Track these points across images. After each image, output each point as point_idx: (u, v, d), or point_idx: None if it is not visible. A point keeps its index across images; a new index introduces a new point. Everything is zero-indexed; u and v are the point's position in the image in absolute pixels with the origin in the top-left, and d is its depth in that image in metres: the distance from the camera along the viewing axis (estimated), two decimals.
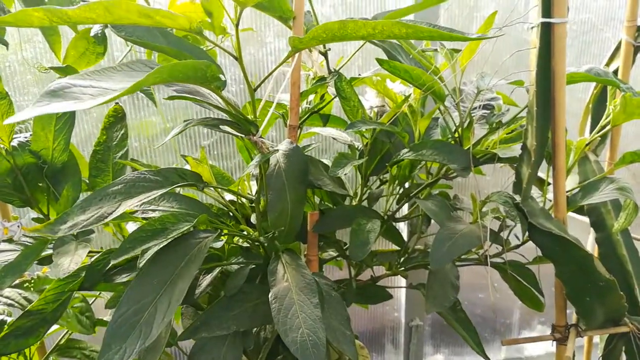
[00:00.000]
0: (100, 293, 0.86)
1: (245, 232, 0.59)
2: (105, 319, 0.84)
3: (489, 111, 0.75)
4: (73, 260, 0.55)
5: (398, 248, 0.82)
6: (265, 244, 0.58)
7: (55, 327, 0.83)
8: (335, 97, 0.76)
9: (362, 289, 0.78)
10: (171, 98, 0.53)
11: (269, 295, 0.48)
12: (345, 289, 0.75)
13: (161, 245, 0.49)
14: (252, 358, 0.63)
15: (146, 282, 0.46)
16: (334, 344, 0.53)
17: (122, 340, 0.42)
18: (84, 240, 0.62)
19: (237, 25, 0.48)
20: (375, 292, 0.79)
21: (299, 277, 0.50)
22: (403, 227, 1.09)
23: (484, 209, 0.74)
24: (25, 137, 0.67)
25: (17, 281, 0.77)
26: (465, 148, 0.68)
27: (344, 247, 0.79)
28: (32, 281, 0.76)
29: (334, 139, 0.80)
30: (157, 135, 1.02)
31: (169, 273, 0.46)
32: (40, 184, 0.67)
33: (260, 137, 0.55)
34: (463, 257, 0.77)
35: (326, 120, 0.86)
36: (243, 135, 0.57)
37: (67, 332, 0.84)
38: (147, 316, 0.43)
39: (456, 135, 0.70)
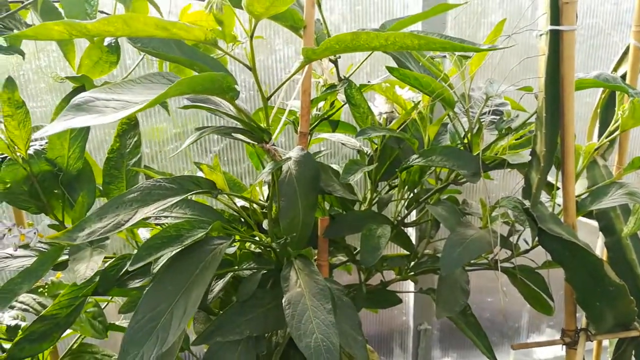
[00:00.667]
0: (112, 297, 0.87)
1: (257, 238, 0.60)
2: (117, 323, 0.86)
3: (498, 117, 0.75)
4: (89, 266, 0.56)
5: (407, 252, 0.82)
6: (278, 250, 0.59)
7: (68, 331, 0.84)
8: (345, 103, 0.77)
9: (372, 293, 0.79)
10: (185, 107, 0.54)
11: (283, 301, 0.49)
12: (356, 293, 0.76)
13: (176, 252, 0.50)
14: None
15: (162, 288, 0.47)
16: (346, 349, 0.54)
17: (139, 346, 0.43)
18: (99, 246, 0.63)
19: (251, 37, 0.49)
20: (385, 297, 0.80)
21: (312, 283, 0.51)
22: (412, 232, 1.10)
23: (493, 214, 0.75)
24: (41, 145, 0.68)
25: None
26: (475, 154, 0.69)
27: (354, 252, 0.80)
28: (46, 286, 0.77)
29: (343, 144, 0.81)
30: (168, 140, 1.03)
31: (184, 280, 0.47)
32: (56, 191, 0.69)
33: (273, 144, 0.56)
34: (472, 261, 0.77)
35: (335, 126, 0.87)
36: (255, 143, 0.58)
37: (79, 337, 0.85)
38: (163, 322, 0.44)
39: (465, 141, 0.71)
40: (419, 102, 0.72)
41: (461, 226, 0.64)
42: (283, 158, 0.56)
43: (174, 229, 0.52)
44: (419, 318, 1.32)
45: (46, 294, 0.77)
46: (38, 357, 0.82)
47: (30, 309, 0.75)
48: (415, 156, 0.70)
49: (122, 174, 0.74)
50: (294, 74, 0.52)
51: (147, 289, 0.47)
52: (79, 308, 0.72)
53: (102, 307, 0.83)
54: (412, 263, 0.78)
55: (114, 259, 0.69)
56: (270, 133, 0.55)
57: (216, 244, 0.51)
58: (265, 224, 0.66)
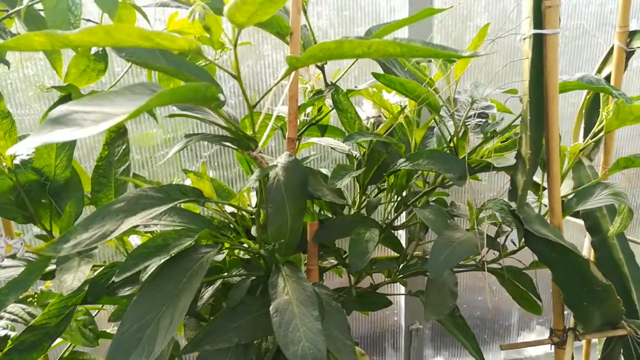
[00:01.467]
0: (103, 305, 0.87)
1: (245, 245, 0.60)
2: (108, 331, 0.85)
3: (483, 120, 0.76)
4: (76, 276, 0.56)
5: (397, 255, 0.83)
6: (266, 257, 0.59)
7: (58, 340, 0.84)
8: (332, 109, 0.78)
9: (362, 296, 0.79)
10: (172, 116, 0.54)
11: (270, 309, 0.49)
12: (346, 297, 0.76)
13: (164, 261, 0.50)
14: None
15: (149, 298, 0.47)
16: (335, 354, 0.54)
17: (125, 357, 0.43)
18: (87, 256, 0.63)
19: (235, 45, 0.49)
20: (375, 300, 0.80)
21: (300, 290, 0.51)
22: (402, 233, 1.10)
23: (480, 216, 0.76)
24: (28, 155, 0.68)
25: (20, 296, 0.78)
26: (461, 157, 0.70)
27: (344, 256, 0.80)
28: (36, 296, 0.77)
29: (332, 148, 0.82)
30: (158, 146, 1.03)
31: (171, 288, 0.47)
32: (43, 201, 0.68)
33: (260, 151, 0.56)
34: (461, 263, 0.78)
35: (324, 130, 0.88)
36: (243, 150, 0.58)
37: (70, 345, 0.84)
38: (149, 333, 0.44)
39: (451, 144, 0.72)
40: (406, 106, 0.72)
41: (448, 229, 0.65)
42: (269, 165, 0.56)
43: (161, 238, 0.52)
44: (411, 318, 1.33)
45: (35, 303, 0.77)
46: None
47: (19, 319, 0.74)
48: (402, 160, 0.71)
49: (110, 182, 0.74)
50: (279, 81, 0.53)
51: (134, 298, 0.47)
52: (69, 317, 0.72)
53: (94, 315, 0.83)
54: (402, 265, 0.79)
55: (103, 268, 0.69)
56: (257, 141, 0.56)
57: (204, 252, 0.51)
58: (254, 230, 0.66)
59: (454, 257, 0.60)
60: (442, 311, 0.62)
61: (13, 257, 0.66)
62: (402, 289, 1.25)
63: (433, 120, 0.77)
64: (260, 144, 0.57)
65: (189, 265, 0.50)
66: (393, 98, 0.79)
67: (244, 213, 0.68)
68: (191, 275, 0.49)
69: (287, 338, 0.46)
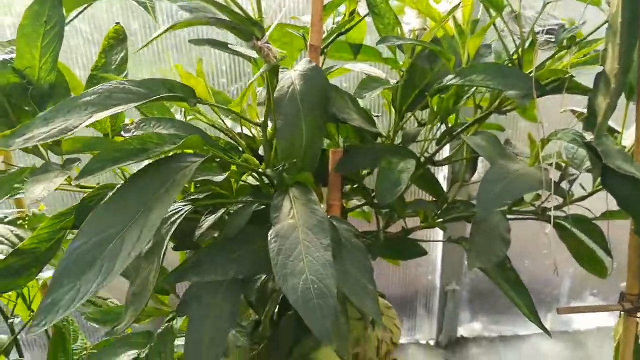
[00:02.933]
0: None
1: (248, 164, 0.49)
2: None
3: (552, 37, 0.61)
4: (46, 187, 0.47)
5: (435, 200, 0.70)
6: (272, 178, 0.48)
7: (49, 272, 0.77)
8: (367, 15, 0.64)
9: (392, 242, 0.68)
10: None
11: (269, 234, 0.39)
12: (372, 241, 0.65)
13: (140, 169, 0.40)
14: (259, 312, 0.54)
15: (115, 209, 0.37)
16: (352, 299, 0.44)
17: (77, 277, 0.33)
18: (69, 168, 0.54)
19: None
20: (408, 247, 0.69)
21: (309, 214, 0.40)
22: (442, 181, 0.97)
23: (543, 154, 0.62)
24: (8, 55, 0.59)
25: (10, 217, 0.71)
26: (527, 72, 0.55)
27: (372, 195, 0.68)
28: (27, 218, 0.70)
29: (366, 74, 0.69)
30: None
31: (144, 199, 0.37)
32: (27, 108, 0.59)
33: (267, 42, 0.44)
34: (515, 209, 0.65)
35: (357, 51, 0.74)
36: (248, 46, 0.46)
37: None
38: (112, 249, 0.35)
39: (515, 57, 0.57)
40: (458, 5, 0.58)
41: (505, 159, 0.51)
42: (278, 58, 0.44)
43: (139, 141, 0.41)
44: (447, 278, 1.21)
45: (27, 226, 0.69)
46: (24, 293, 0.76)
47: (6, 242, 0.67)
48: (451, 76, 0.57)
49: None
50: None
51: (96, 208, 0.37)
52: (60, 242, 0.65)
53: None
54: (441, 209, 0.66)
55: (93, 190, 0.61)
56: (263, 27, 0.44)
57: (190, 162, 0.41)
58: (262, 150, 0.55)
59: (511, 192, 0.47)
60: (491, 259, 0.50)
61: None
62: (440, 239, 1.12)
63: (490, 38, 0.63)
64: (267, 35, 0.45)
65: (170, 175, 0.39)
66: (443, 6, 0.64)
67: (254, 133, 0.57)
68: (171, 186, 0.38)
69: (286, 269, 0.35)
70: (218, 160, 0.54)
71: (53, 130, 0.38)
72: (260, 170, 0.50)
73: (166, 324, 0.51)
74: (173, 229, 0.48)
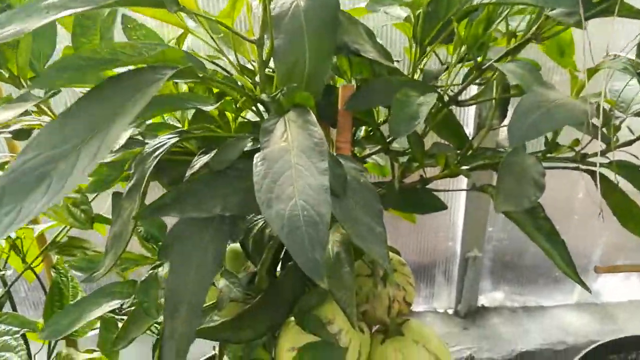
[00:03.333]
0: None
1: (243, 89, 0.43)
2: (106, 214, 0.74)
3: None
4: (16, 112, 0.41)
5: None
6: (267, 103, 0.41)
7: (50, 223, 0.73)
8: None
9: (408, 192, 0.61)
10: None
11: (255, 157, 0.32)
12: (386, 191, 0.58)
13: (106, 80, 0.34)
14: (255, 261, 0.49)
15: (72, 122, 0.31)
16: (356, 241, 0.37)
17: (20, 196, 0.28)
18: (51, 96, 0.49)
19: None
20: (425, 199, 0.62)
21: (304, 136, 0.34)
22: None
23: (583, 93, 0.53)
24: None
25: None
26: None
27: (388, 140, 0.61)
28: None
29: (386, 13, 0.61)
30: None
31: (106, 112, 0.31)
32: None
33: None
34: (550, 156, 0.57)
35: None
36: None
37: (64, 228, 0.74)
38: (63, 166, 0.29)
39: None
40: None
41: (542, 86, 0.44)
42: None
43: (109, 51, 0.35)
44: (468, 243, 1.14)
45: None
46: (17, 244, 0.72)
47: None
48: None
49: (96, 24, 0.59)
50: None
51: (51, 120, 0.31)
52: None
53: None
54: (464, 155, 0.59)
55: None
56: None
57: (164, 73, 0.34)
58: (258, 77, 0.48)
59: (548, 121, 0.40)
60: (521, 202, 0.43)
61: None
62: (461, 201, 1.05)
63: None
64: None
65: (139, 86, 0.33)
66: None
67: (255, 64, 0.50)
68: (139, 96, 0.32)
69: (272, 193, 0.29)
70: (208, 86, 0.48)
71: (5, 34, 0.32)
72: (252, 92, 0.43)
73: (150, 271, 0.46)
74: (154, 163, 0.42)
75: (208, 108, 0.44)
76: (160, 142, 0.44)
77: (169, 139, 0.44)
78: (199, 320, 0.37)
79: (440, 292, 1.24)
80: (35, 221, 0.76)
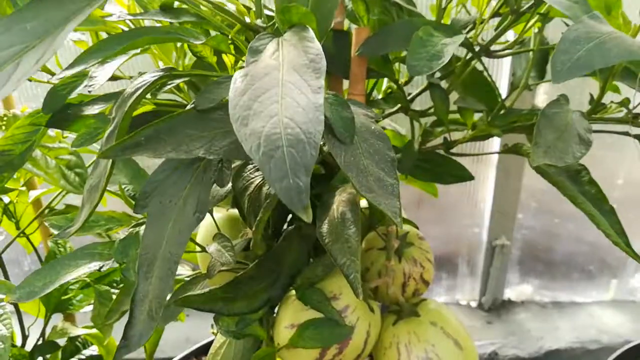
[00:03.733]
0: None
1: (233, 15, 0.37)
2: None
3: None
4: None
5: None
6: (261, 29, 0.35)
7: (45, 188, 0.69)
8: None
9: (429, 158, 0.54)
10: None
11: (234, 74, 0.26)
12: (403, 155, 0.52)
13: None
14: (251, 222, 0.43)
15: (18, 27, 0.26)
16: (362, 191, 0.31)
17: None
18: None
19: None
20: (449, 166, 0.55)
21: (298, 53, 0.27)
22: None
23: None
24: None
25: None
26: None
27: (409, 97, 0.54)
28: (5, 119, 0.61)
29: None
30: None
31: (59, 14, 0.26)
32: None
33: None
34: (595, 115, 0.49)
35: None
36: None
37: (60, 193, 0.69)
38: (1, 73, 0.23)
39: None
40: None
41: (593, 19, 0.36)
42: None
43: None
44: (496, 231, 1.06)
45: (4, 127, 0.61)
46: (10, 209, 0.68)
47: None
48: None
49: None
50: None
51: None
52: (34, 145, 0.57)
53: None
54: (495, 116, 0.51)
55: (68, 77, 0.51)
56: None
57: None
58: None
59: (601, 56, 0.33)
60: (563, 157, 0.36)
61: None
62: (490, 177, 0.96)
63: None
64: None
65: None
66: None
67: None
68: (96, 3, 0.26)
69: (249, 109, 0.23)
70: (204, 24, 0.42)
71: None
72: (249, 23, 0.37)
73: (130, 229, 0.40)
74: (131, 100, 0.37)
75: (197, 42, 0.38)
76: (142, 81, 0.38)
77: (152, 76, 0.38)
78: (172, 279, 0.31)
79: (463, 283, 1.16)
80: (31, 186, 0.72)
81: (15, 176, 0.68)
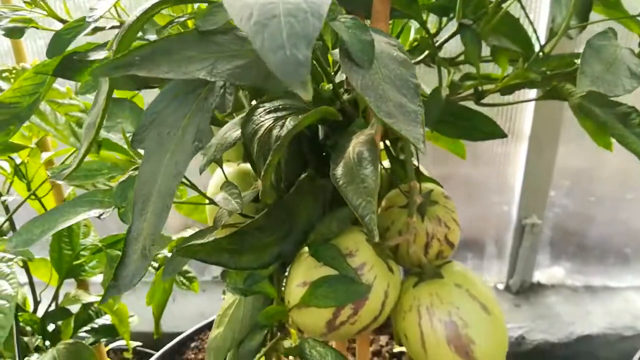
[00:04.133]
0: None
1: None
2: (112, 137, 0.67)
3: None
4: None
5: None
6: None
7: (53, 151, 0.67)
8: None
9: (457, 110, 0.50)
10: None
11: None
12: (429, 102, 0.47)
13: None
14: (260, 167, 0.39)
15: None
16: (381, 116, 0.27)
17: None
18: None
19: None
20: (477, 120, 0.50)
21: None
22: None
23: None
24: None
25: None
26: None
27: (437, 44, 0.50)
28: (14, 72, 0.59)
29: None
30: None
31: None
32: None
33: None
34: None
35: None
36: None
37: (72, 155, 0.67)
38: None
39: None
40: None
41: None
42: None
43: None
44: (526, 209, 1.00)
45: (12, 79, 0.59)
46: (21, 170, 0.67)
47: None
48: None
49: None
50: None
51: None
52: (41, 97, 0.55)
53: None
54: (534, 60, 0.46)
55: (71, 21, 0.49)
56: None
57: None
58: None
59: None
60: (612, 88, 0.31)
61: None
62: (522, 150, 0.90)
63: None
64: None
65: None
66: None
67: None
68: None
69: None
70: None
71: None
72: None
73: (129, 172, 0.38)
74: (130, 26, 0.34)
75: None
76: (142, 8, 0.35)
77: (152, 2, 0.35)
78: (167, 213, 0.28)
79: (490, 263, 1.11)
80: (44, 147, 0.70)
81: (26, 134, 0.66)
